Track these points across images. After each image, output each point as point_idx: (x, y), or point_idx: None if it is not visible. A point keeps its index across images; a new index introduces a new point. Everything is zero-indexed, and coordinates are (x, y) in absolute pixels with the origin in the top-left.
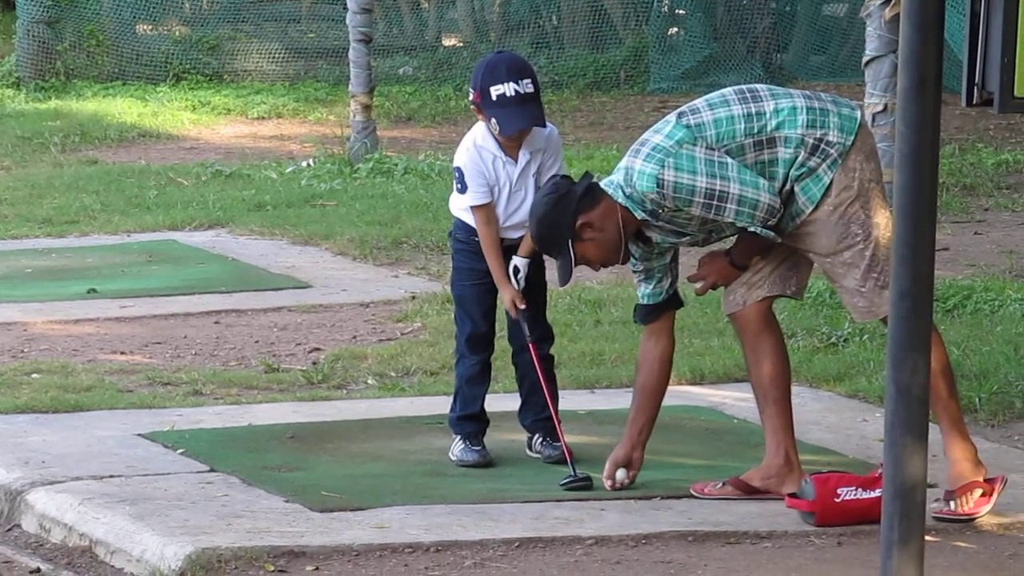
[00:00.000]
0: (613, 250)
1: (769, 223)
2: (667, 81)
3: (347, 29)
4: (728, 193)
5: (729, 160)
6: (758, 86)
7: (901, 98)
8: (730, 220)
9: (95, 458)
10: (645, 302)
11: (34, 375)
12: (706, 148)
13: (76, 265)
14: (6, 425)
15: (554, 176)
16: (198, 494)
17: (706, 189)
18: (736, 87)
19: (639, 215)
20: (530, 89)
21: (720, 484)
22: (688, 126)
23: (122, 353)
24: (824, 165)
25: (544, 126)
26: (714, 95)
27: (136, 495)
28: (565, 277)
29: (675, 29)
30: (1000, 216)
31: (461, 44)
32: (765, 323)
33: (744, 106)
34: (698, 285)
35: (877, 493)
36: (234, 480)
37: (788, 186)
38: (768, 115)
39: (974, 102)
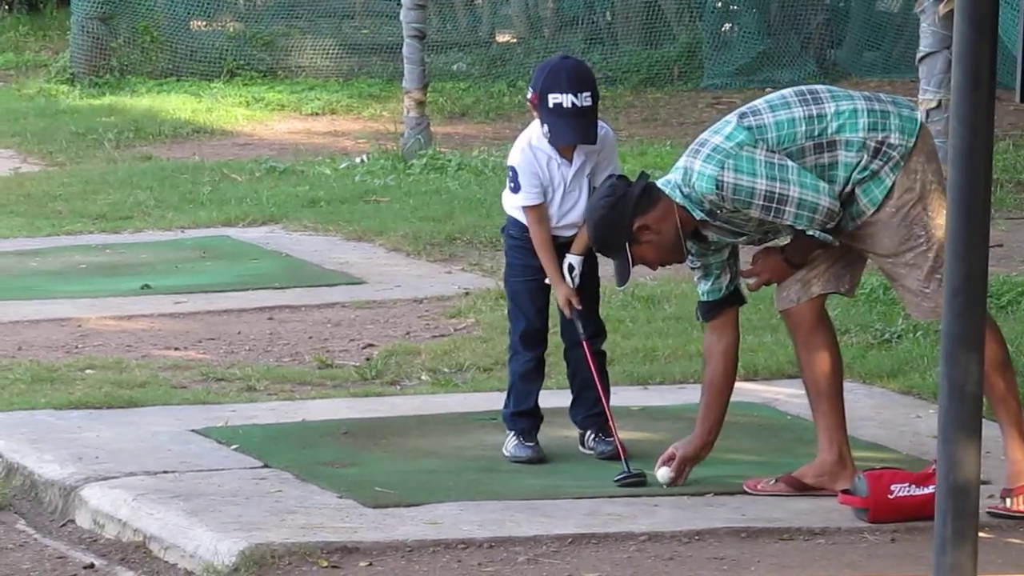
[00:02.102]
0: (671, 250)
1: (828, 226)
2: (721, 77)
3: (401, 25)
4: (788, 196)
5: (789, 163)
6: (818, 87)
7: (955, 94)
8: (788, 223)
9: (149, 454)
10: (706, 299)
11: (88, 371)
12: (767, 150)
13: (130, 261)
14: (60, 420)
15: (610, 177)
16: (251, 490)
17: (766, 192)
18: (796, 88)
19: (697, 215)
20: (588, 103)
21: (773, 481)
22: (749, 128)
23: (176, 349)
24: (886, 167)
25: (595, 143)
26: (774, 96)
27: (190, 491)
28: (623, 278)
29: (728, 25)
30: None
31: (514, 40)
32: (818, 320)
33: (805, 108)
34: (751, 281)
35: (931, 490)
36: (287, 476)
37: (849, 188)
38: (829, 117)
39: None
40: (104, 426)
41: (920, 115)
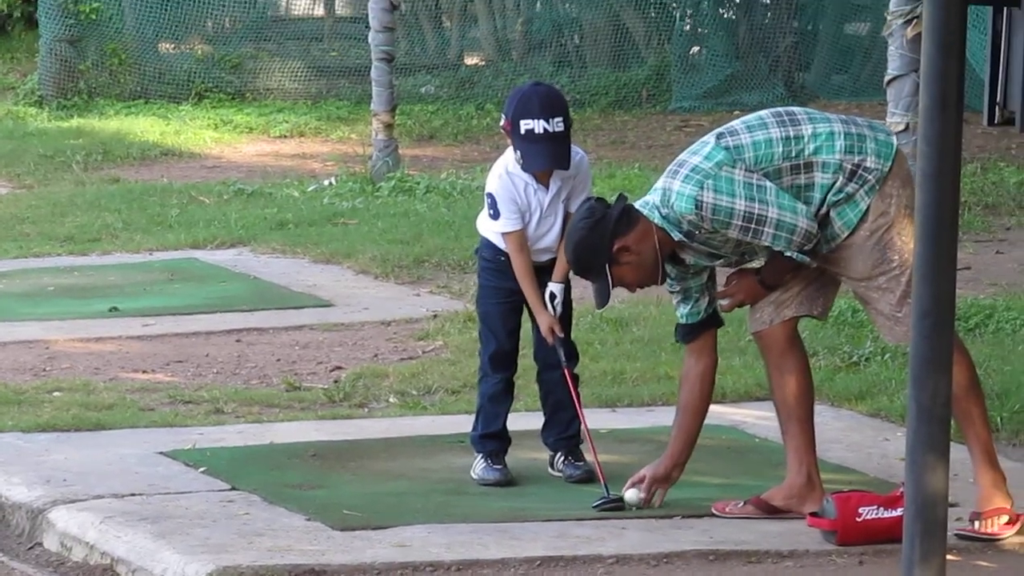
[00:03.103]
0: (650, 272)
1: (805, 248)
2: (689, 100)
3: (369, 48)
4: (766, 217)
5: (768, 183)
6: (795, 109)
7: (923, 117)
8: (767, 244)
9: (116, 476)
10: (685, 321)
11: (56, 393)
12: (745, 171)
13: (98, 283)
14: (28, 443)
15: (589, 199)
16: (219, 512)
17: (744, 212)
18: (773, 110)
19: (676, 236)
20: (560, 128)
21: (741, 503)
22: (727, 148)
23: (144, 371)
24: (861, 191)
25: (567, 168)
26: (751, 117)
27: (157, 513)
28: (602, 300)
29: (697, 48)
30: (1022, 235)
31: (483, 63)
32: (790, 343)
33: (782, 129)
34: (725, 302)
35: (899, 512)
36: (255, 498)
37: (824, 210)
38: (806, 139)
39: (996, 121)
40: (72, 448)
41: (896, 140)
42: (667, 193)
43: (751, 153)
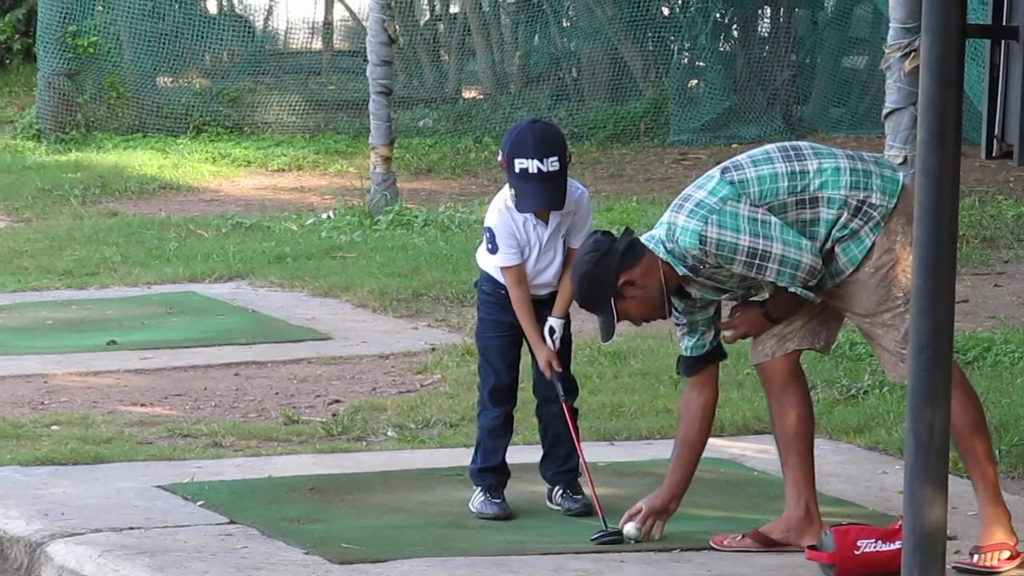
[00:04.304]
0: (656, 306)
1: (810, 284)
2: (687, 133)
3: (367, 81)
4: (771, 253)
5: (773, 219)
6: (801, 144)
7: (921, 150)
8: (771, 279)
9: (115, 510)
10: (689, 354)
11: (54, 427)
12: (750, 206)
13: (96, 317)
14: (26, 477)
15: (595, 233)
16: (217, 546)
17: (749, 248)
18: (779, 144)
19: (680, 271)
20: (555, 167)
21: (740, 536)
22: (732, 182)
23: (142, 405)
24: (867, 227)
25: (561, 208)
26: (757, 152)
27: (155, 547)
28: (607, 334)
29: (695, 81)
30: (1020, 268)
31: (481, 96)
32: (792, 376)
33: (788, 164)
34: (728, 333)
35: (897, 545)
36: (253, 532)
37: (829, 246)
38: (811, 174)
39: (994, 154)
40: (70, 482)
41: (903, 177)
42: (672, 227)
43: (756, 188)
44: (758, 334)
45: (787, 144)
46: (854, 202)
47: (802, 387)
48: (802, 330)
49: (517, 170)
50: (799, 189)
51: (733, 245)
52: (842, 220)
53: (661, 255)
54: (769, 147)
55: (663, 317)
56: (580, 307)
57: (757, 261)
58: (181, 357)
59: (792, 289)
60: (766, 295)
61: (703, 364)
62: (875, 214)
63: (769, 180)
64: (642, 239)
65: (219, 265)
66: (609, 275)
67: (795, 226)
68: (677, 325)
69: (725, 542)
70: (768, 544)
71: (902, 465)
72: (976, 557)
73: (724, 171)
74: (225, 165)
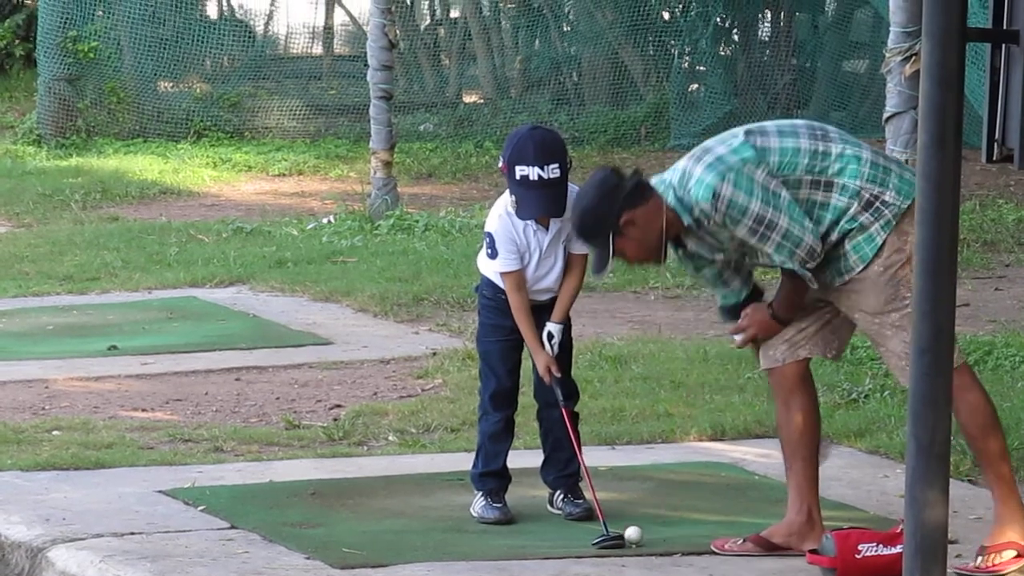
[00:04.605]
0: (652, 250)
1: (807, 265)
2: (688, 137)
3: (368, 86)
4: (777, 224)
5: (784, 192)
6: (829, 127)
7: (921, 154)
8: (770, 251)
9: (116, 515)
10: (724, 303)
11: (55, 432)
12: (766, 174)
13: (97, 322)
14: (27, 482)
15: (604, 168)
16: (219, 551)
17: (758, 214)
18: (808, 122)
19: (686, 221)
20: (556, 175)
21: (741, 540)
22: (755, 147)
23: (143, 410)
24: (877, 224)
25: (562, 215)
26: (785, 123)
27: (157, 552)
28: (599, 268)
29: (696, 85)
30: (1021, 272)
31: (482, 101)
32: (802, 381)
33: (812, 142)
34: (738, 337)
35: (898, 549)
36: (255, 537)
37: (835, 237)
38: (833, 157)
39: (994, 158)
40: (71, 487)
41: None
42: (687, 175)
43: (776, 158)
44: (767, 337)
45: (817, 124)
46: (867, 195)
47: (811, 393)
48: (814, 337)
49: (518, 177)
50: (817, 170)
51: (743, 208)
52: (852, 211)
53: (670, 201)
54: (798, 121)
55: (657, 262)
56: (577, 237)
57: (762, 229)
58: (182, 362)
59: (789, 265)
60: (758, 263)
61: (742, 308)
62: (887, 212)
63: (791, 154)
64: (652, 181)
65: (220, 270)
66: (612, 211)
67: (804, 205)
68: (693, 279)
69: (726, 546)
70: (769, 548)
71: (903, 469)
72: (980, 559)
73: (748, 133)
74: (226, 170)
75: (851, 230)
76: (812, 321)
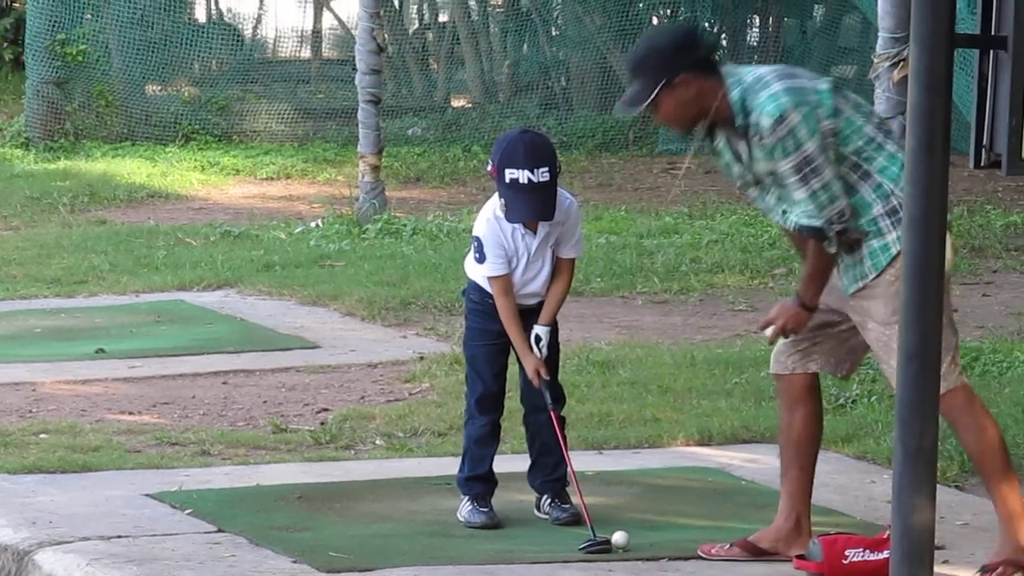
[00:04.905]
0: (686, 121)
1: (833, 225)
2: (675, 142)
3: (356, 90)
4: (822, 174)
5: (832, 154)
6: (895, 129)
7: (909, 159)
8: (802, 196)
9: (103, 518)
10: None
11: (42, 435)
12: (831, 133)
13: (84, 325)
14: (14, 485)
15: (692, 26)
16: (205, 554)
17: (810, 155)
18: (883, 118)
19: (736, 121)
20: (545, 178)
21: (728, 545)
22: (834, 105)
23: (130, 413)
24: (894, 235)
25: (551, 219)
26: (863, 101)
27: (143, 555)
28: (630, 104)
29: None
30: (1008, 278)
31: (470, 105)
32: (809, 392)
33: (874, 131)
34: (769, 331)
35: (885, 555)
36: (241, 540)
37: (853, 234)
38: (883, 154)
39: (982, 164)
40: (58, 490)
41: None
42: (762, 84)
43: (842, 124)
44: (798, 328)
45: (887, 122)
46: (895, 202)
47: (816, 405)
48: (827, 353)
49: (507, 180)
50: (864, 156)
51: (800, 143)
52: (875, 211)
53: (732, 94)
54: (876, 110)
55: (682, 132)
56: (628, 68)
57: (807, 170)
58: (169, 365)
59: (806, 222)
60: (769, 206)
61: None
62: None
63: (853, 129)
64: (726, 67)
65: (207, 273)
66: (677, 64)
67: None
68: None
69: (713, 551)
70: (756, 553)
71: (890, 474)
72: None
73: (835, 89)
74: (214, 173)
75: (869, 232)
76: (828, 337)
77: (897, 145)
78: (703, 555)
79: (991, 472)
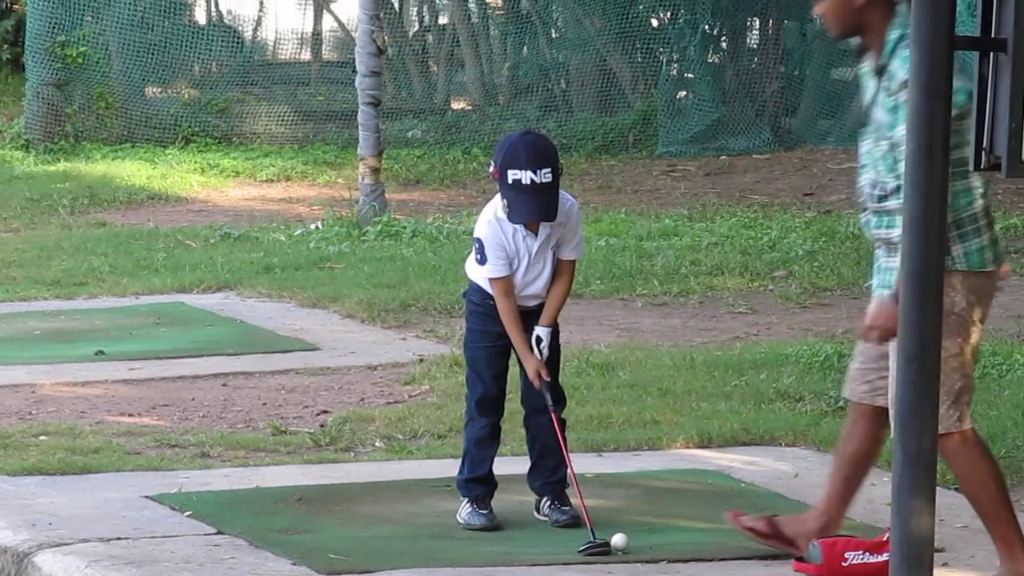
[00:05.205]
0: (842, 25)
1: (899, 172)
2: (675, 145)
3: (356, 92)
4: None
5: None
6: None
7: (909, 163)
8: (894, 171)
9: (102, 520)
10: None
11: (42, 437)
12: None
13: (84, 327)
14: (13, 487)
15: None
16: (205, 556)
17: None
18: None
19: (883, 58)
20: (548, 179)
21: (758, 516)
22: (966, 108)
23: (130, 415)
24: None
25: (554, 220)
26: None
27: (143, 557)
28: None
29: (684, 93)
30: (1008, 281)
31: (470, 107)
32: (873, 420)
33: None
34: (874, 335)
35: (884, 557)
36: (241, 543)
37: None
38: (967, 176)
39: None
40: (58, 492)
41: (990, 256)
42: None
43: (963, 128)
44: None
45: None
46: (951, 219)
47: (878, 430)
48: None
49: (510, 181)
50: (952, 170)
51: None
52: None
53: (892, 33)
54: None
55: (834, 35)
56: None
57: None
58: (169, 368)
59: (888, 178)
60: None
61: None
62: (946, 260)
63: (964, 141)
64: (902, 6)
65: (207, 276)
66: None
67: None
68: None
69: (742, 519)
70: (774, 536)
71: (890, 477)
72: None
73: (972, 99)
74: (213, 176)
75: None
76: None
77: (982, 182)
78: (729, 520)
79: (985, 511)
